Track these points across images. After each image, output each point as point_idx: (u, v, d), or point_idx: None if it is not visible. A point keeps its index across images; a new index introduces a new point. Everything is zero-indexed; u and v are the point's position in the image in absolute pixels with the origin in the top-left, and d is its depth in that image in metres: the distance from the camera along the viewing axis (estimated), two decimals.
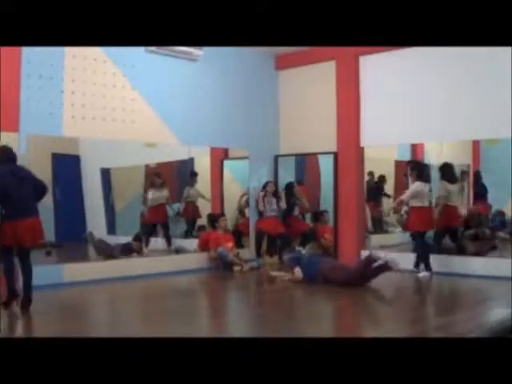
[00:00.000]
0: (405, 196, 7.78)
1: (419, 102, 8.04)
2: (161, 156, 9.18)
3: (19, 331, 4.95)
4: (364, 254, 8.48)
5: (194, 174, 9.51)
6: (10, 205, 5.35)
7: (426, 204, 7.68)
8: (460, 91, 7.69)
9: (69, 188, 8.36)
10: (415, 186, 7.67)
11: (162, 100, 8.04)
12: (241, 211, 9.69)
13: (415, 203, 7.63)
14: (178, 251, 8.80)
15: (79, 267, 7.27)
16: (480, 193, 9.48)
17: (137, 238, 8.48)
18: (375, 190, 9.78)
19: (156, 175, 9.18)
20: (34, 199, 5.55)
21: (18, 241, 5.35)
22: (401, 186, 10.34)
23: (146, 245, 8.81)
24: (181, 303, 6.06)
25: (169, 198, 9.19)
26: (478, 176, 9.49)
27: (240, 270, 8.05)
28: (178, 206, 9.61)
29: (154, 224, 9.16)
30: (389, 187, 10.31)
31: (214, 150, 9.39)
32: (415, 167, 7.88)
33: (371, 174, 9.37)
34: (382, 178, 9.84)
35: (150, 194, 9.05)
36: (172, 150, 9.01)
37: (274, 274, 7.36)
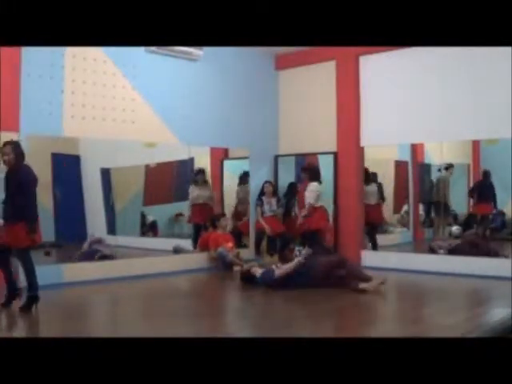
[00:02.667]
0: (311, 199, 8.17)
1: (419, 102, 8.04)
2: (161, 156, 9.18)
3: (19, 331, 4.95)
4: (364, 253, 8.54)
5: (199, 172, 9.23)
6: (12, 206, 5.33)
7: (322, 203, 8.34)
8: (460, 91, 7.69)
9: (69, 188, 8.36)
10: (314, 186, 8.20)
11: (162, 100, 8.05)
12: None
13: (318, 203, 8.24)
14: (177, 251, 8.79)
15: (79, 267, 7.27)
16: (485, 193, 9.49)
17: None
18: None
19: (200, 172, 9.16)
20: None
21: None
22: (401, 186, 10.37)
23: (194, 247, 8.92)
24: (181, 303, 6.07)
25: (212, 198, 9.18)
26: (485, 176, 9.50)
27: (240, 270, 8.04)
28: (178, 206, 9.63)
29: (198, 224, 9.16)
30: (389, 187, 10.32)
31: (214, 150, 9.39)
32: (307, 170, 8.45)
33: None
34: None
35: (190, 191, 9.08)
36: (172, 150, 9.01)
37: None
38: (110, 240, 8.41)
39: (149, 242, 9.31)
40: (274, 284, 6.56)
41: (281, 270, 6.63)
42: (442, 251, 8.27)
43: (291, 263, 6.69)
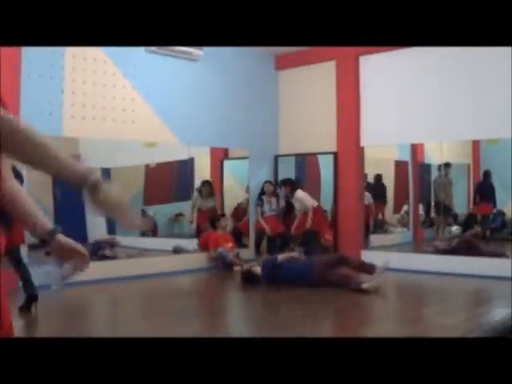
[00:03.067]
0: (310, 203, 8.60)
1: (419, 102, 8.04)
2: (161, 156, 9.19)
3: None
4: (364, 254, 8.55)
5: (205, 184, 9.21)
6: None
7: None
8: (460, 91, 7.69)
9: (69, 188, 8.35)
10: (298, 194, 8.74)
11: (162, 100, 8.05)
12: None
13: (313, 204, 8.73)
14: (177, 251, 8.79)
15: None
16: (486, 193, 9.52)
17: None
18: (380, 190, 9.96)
19: (205, 183, 9.13)
20: None
21: None
22: (401, 186, 10.37)
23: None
24: (181, 303, 6.07)
25: (215, 207, 9.21)
26: (485, 176, 9.52)
27: (240, 270, 8.04)
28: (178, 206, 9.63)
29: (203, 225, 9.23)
30: (389, 187, 10.33)
31: (213, 150, 9.38)
32: (286, 183, 8.93)
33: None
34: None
35: (193, 199, 9.15)
36: (172, 150, 9.02)
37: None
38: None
39: (149, 242, 9.31)
40: (275, 272, 6.61)
41: (284, 255, 6.78)
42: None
43: (294, 252, 7.15)
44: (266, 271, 6.70)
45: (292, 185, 8.86)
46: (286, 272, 6.63)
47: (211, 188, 9.14)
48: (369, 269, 6.53)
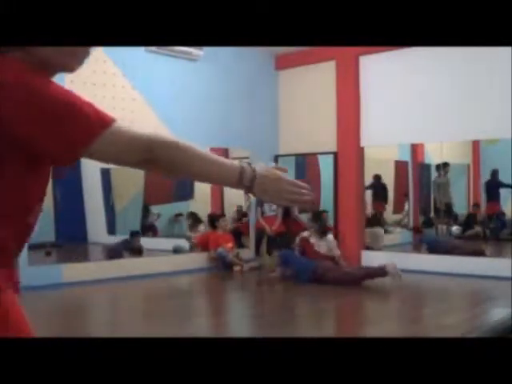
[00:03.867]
0: (338, 252, 7.93)
1: (419, 102, 8.04)
2: None
3: None
4: (364, 254, 8.55)
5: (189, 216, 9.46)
6: None
7: None
8: (460, 91, 7.69)
9: (69, 188, 8.36)
10: (331, 237, 7.98)
11: (162, 100, 8.05)
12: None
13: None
14: (177, 251, 8.80)
15: (79, 267, 7.27)
16: (492, 192, 9.55)
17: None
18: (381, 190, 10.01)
19: (191, 215, 9.35)
20: None
21: None
22: (401, 187, 10.38)
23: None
24: (181, 303, 6.07)
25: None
26: (493, 175, 9.52)
27: (240, 270, 8.05)
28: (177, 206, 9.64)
29: None
30: (389, 187, 10.33)
31: (213, 150, 9.38)
32: (316, 219, 8.11)
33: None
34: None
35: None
36: None
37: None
38: (111, 240, 8.43)
39: (149, 242, 9.32)
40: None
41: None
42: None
43: None
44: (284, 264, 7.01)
45: (322, 224, 8.11)
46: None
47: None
48: (379, 272, 6.58)
